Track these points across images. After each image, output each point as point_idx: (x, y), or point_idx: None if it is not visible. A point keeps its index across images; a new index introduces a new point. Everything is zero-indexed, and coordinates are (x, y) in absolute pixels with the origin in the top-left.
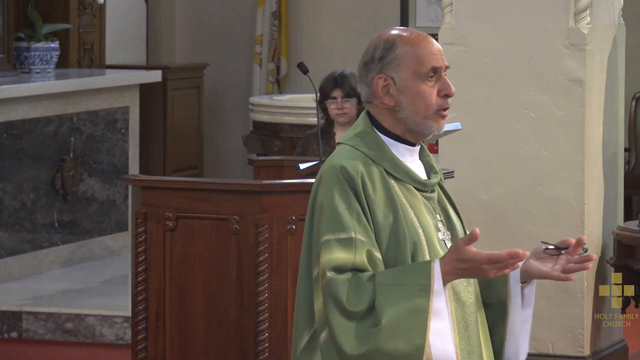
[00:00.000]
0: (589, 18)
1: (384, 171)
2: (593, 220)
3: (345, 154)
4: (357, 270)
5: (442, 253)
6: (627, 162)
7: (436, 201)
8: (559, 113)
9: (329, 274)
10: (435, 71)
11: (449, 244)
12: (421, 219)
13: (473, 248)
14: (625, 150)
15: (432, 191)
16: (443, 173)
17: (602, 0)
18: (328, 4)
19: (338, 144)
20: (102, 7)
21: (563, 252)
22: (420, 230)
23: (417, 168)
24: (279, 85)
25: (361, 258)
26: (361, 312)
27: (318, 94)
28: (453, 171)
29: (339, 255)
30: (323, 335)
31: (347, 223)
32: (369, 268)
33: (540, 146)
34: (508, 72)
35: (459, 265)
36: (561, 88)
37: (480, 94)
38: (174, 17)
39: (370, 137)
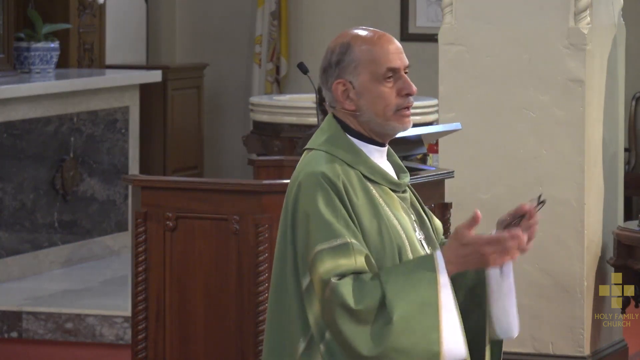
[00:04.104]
0: (589, 18)
1: (361, 174)
2: (593, 220)
3: (321, 159)
4: (358, 273)
5: (422, 253)
6: (627, 162)
7: (409, 201)
8: (559, 113)
9: (333, 280)
10: (394, 71)
11: (425, 244)
12: (401, 220)
13: (473, 233)
14: (625, 150)
15: (404, 191)
16: (443, 173)
17: (602, 0)
18: (328, 4)
19: (305, 149)
20: (102, 7)
21: (525, 218)
22: (402, 233)
23: (388, 169)
24: (279, 85)
25: (361, 262)
26: (369, 310)
27: (317, 96)
28: (453, 171)
29: (339, 262)
30: (324, 342)
31: (339, 229)
32: (369, 271)
33: (540, 146)
34: (508, 72)
35: (460, 251)
36: (561, 88)
37: (480, 94)
38: (174, 17)
39: (343, 141)
